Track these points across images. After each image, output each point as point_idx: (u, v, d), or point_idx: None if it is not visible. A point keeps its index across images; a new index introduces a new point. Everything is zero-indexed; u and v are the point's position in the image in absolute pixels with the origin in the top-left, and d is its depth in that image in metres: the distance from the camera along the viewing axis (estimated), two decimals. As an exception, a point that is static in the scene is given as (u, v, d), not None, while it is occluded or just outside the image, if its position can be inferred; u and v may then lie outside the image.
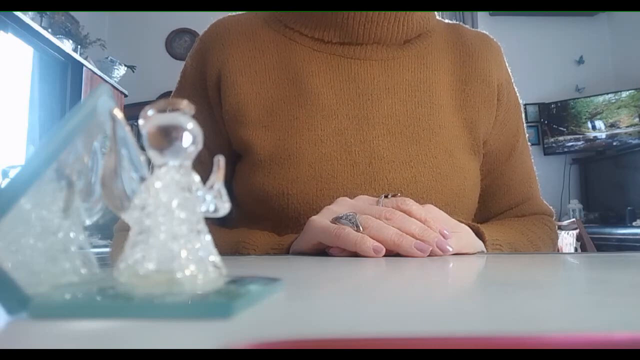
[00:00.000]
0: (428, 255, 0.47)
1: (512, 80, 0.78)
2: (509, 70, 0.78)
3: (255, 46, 0.70)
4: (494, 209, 0.76)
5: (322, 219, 0.51)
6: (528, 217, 0.75)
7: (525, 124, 0.79)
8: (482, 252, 0.57)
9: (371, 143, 0.65)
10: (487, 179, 0.75)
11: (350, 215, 0.49)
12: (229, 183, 0.71)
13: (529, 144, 0.80)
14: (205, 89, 0.70)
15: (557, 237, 0.77)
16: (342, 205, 0.53)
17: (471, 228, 0.58)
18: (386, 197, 0.53)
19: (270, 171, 0.64)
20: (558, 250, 0.84)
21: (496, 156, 0.75)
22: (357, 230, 0.47)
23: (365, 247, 0.46)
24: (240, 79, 0.68)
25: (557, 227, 0.78)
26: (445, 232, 0.49)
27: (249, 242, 0.61)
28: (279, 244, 0.59)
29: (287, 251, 0.57)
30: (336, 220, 0.50)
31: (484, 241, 0.58)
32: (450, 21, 0.80)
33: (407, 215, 0.49)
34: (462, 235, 0.53)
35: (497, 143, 0.75)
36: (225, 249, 0.61)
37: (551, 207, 0.79)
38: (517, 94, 0.79)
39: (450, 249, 0.48)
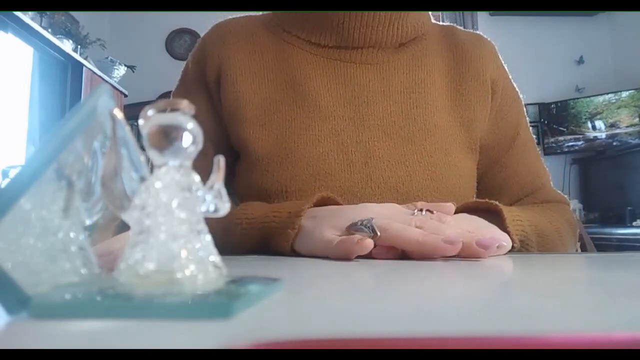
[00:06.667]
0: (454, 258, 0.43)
1: (509, 77, 0.78)
2: (506, 67, 0.78)
3: (254, 48, 0.72)
4: (504, 202, 0.72)
5: (327, 233, 0.48)
6: (540, 204, 0.73)
7: (527, 120, 0.79)
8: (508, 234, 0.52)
9: (367, 144, 0.66)
10: (490, 172, 0.75)
11: (366, 220, 0.46)
12: (229, 180, 0.71)
13: (533, 137, 0.79)
14: (206, 82, 0.72)
15: (576, 224, 0.72)
16: (363, 212, 0.49)
17: (485, 208, 0.55)
18: (420, 211, 0.49)
19: (269, 169, 0.66)
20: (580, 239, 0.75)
21: (494, 149, 0.75)
22: (374, 235, 0.44)
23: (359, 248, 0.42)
24: (239, 77, 0.69)
25: (574, 216, 0.74)
26: (485, 241, 0.43)
27: (241, 212, 0.58)
28: (279, 209, 0.55)
29: (292, 216, 0.52)
30: (351, 226, 0.47)
31: (502, 219, 0.54)
32: (444, 23, 0.81)
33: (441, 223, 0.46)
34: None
35: (494, 136, 0.75)
36: (217, 229, 0.57)
37: (565, 196, 0.76)
38: (517, 90, 0.79)
39: (492, 250, 0.43)
